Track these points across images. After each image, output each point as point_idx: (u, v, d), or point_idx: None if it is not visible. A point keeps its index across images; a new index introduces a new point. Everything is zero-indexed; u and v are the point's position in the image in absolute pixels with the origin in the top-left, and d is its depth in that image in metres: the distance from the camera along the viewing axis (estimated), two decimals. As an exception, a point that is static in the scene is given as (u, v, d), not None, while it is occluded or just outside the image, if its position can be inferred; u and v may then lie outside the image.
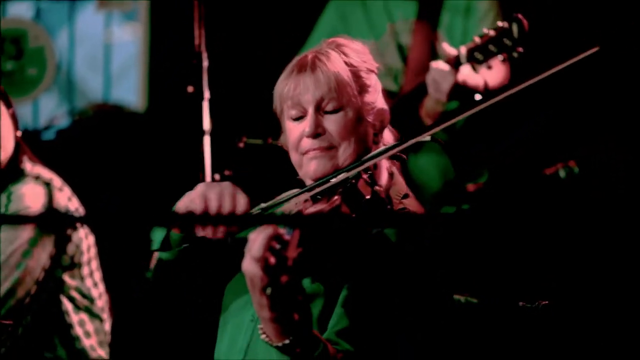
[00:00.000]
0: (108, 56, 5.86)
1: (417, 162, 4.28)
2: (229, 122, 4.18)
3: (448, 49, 4.04)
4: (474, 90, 4.04)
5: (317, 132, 2.59)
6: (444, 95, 4.00)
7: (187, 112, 3.98)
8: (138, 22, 5.73)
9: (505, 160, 4.54)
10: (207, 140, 3.80)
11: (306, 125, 2.59)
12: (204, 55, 3.90)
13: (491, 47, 3.86)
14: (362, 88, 2.62)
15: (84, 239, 3.75)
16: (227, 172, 4.03)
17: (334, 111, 2.59)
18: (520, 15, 3.81)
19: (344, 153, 2.59)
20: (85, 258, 3.75)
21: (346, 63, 2.61)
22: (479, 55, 3.90)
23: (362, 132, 2.61)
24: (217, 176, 3.89)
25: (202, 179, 3.80)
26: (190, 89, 3.89)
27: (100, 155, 5.26)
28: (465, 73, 4.03)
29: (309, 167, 2.60)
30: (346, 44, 2.66)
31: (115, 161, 5.27)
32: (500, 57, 3.84)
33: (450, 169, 4.30)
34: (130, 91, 5.79)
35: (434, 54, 4.28)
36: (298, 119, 2.62)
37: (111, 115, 5.51)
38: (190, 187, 3.89)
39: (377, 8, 4.41)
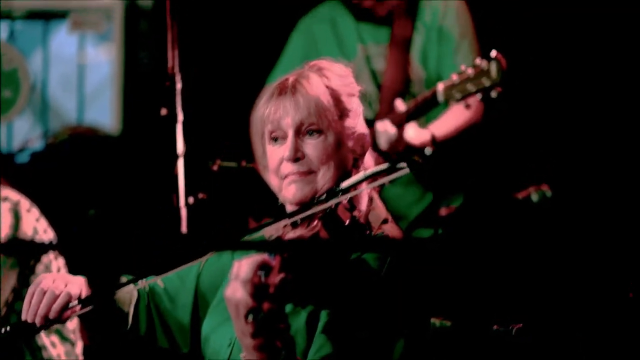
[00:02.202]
0: (82, 77, 5.84)
1: (390, 190, 4.30)
2: (202, 145, 4.17)
3: (398, 105, 4.08)
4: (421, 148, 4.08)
5: (297, 157, 2.58)
6: (387, 149, 4.05)
7: (160, 135, 3.96)
8: (112, 43, 5.72)
9: (478, 184, 4.55)
10: (180, 163, 3.78)
11: (286, 149, 2.58)
12: (178, 78, 3.89)
13: (469, 87, 3.87)
14: (343, 112, 2.62)
15: (54, 261, 3.73)
16: (201, 195, 4.02)
17: (314, 135, 2.59)
18: (499, 55, 3.82)
19: (323, 178, 2.58)
20: None
21: (327, 87, 2.61)
22: (456, 94, 3.91)
23: (342, 156, 2.61)
24: (191, 199, 3.87)
25: (176, 202, 3.78)
26: (163, 111, 3.88)
27: (74, 177, 5.24)
28: (410, 133, 4.06)
29: (288, 191, 2.59)
30: (328, 68, 2.66)
31: (89, 184, 5.25)
32: (478, 96, 3.86)
33: (426, 195, 4.31)
34: (104, 112, 5.77)
35: (408, 80, 4.29)
36: (278, 142, 2.61)
37: (85, 137, 5.49)
38: (164, 210, 3.89)
39: (348, 30, 4.42)
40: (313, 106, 2.58)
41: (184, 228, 3.79)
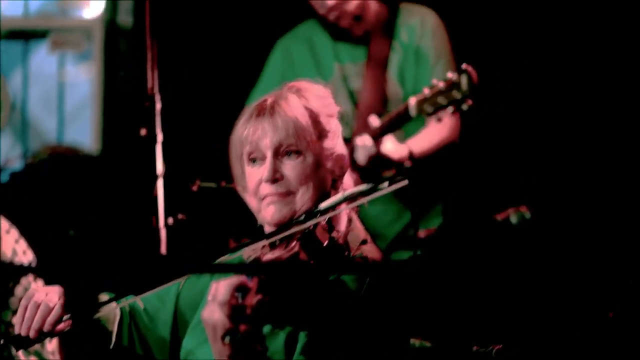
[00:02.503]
0: (62, 96, 5.83)
1: (369, 209, 4.29)
2: (182, 165, 4.16)
3: (372, 120, 4.09)
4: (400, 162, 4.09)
5: (275, 178, 2.58)
6: (366, 164, 4.07)
7: (140, 155, 3.96)
8: (92, 61, 5.71)
9: (457, 204, 4.55)
10: (160, 184, 3.78)
11: (264, 170, 2.58)
12: (157, 98, 3.90)
13: (440, 100, 3.89)
14: (322, 133, 2.62)
15: (33, 282, 3.72)
16: (180, 216, 4.01)
17: (293, 156, 2.59)
18: (469, 68, 3.84)
19: (302, 199, 2.59)
20: None
21: (306, 108, 2.61)
22: (428, 108, 3.92)
23: (320, 177, 2.61)
24: (170, 220, 3.87)
25: (156, 223, 3.78)
26: (143, 131, 3.88)
27: (54, 197, 5.22)
28: (388, 147, 4.08)
29: (267, 212, 2.59)
30: (307, 89, 2.66)
31: (69, 204, 5.24)
32: (449, 109, 3.87)
33: (404, 213, 4.32)
34: (84, 131, 5.75)
35: (385, 99, 4.30)
36: (257, 163, 2.61)
37: (65, 157, 5.47)
38: (144, 231, 3.88)
39: (325, 49, 4.43)
40: (291, 127, 2.58)
41: (163, 249, 3.79)
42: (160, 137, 3.83)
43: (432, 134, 4.24)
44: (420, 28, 4.32)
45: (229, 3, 5.24)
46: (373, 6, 4.35)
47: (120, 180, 5.11)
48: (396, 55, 4.32)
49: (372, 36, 4.35)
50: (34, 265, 3.74)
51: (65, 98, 5.84)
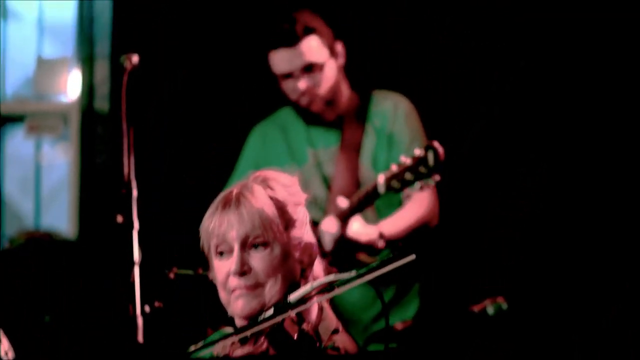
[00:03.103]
0: (39, 179, 5.81)
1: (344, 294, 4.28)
2: (159, 252, 4.14)
3: (340, 202, 4.11)
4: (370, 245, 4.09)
5: (243, 270, 2.58)
6: (332, 248, 4.08)
7: (116, 242, 3.93)
8: (69, 143, 5.71)
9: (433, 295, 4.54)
10: (137, 271, 3.75)
11: (232, 263, 2.57)
12: (134, 184, 3.88)
13: (407, 176, 3.92)
14: (289, 223, 2.62)
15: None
16: (157, 304, 3.98)
17: (260, 248, 2.58)
18: (435, 144, 3.87)
19: (271, 291, 2.58)
20: None
21: (271, 198, 2.61)
22: (396, 184, 3.96)
23: (289, 268, 2.61)
24: (147, 307, 3.83)
25: (133, 310, 3.74)
26: (119, 218, 3.86)
27: (30, 283, 5.19)
28: (355, 228, 4.09)
29: (236, 305, 2.59)
30: (272, 178, 2.67)
31: (45, 290, 5.20)
32: (417, 185, 3.90)
33: (376, 302, 4.30)
34: (61, 215, 5.73)
35: (358, 183, 4.31)
36: (224, 256, 2.59)
37: (41, 243, 5.44)
38: (120, 318, 3.84)
39: (298, 135, 4.45)
40: (257, 218, 2.58)
41: (140, 337, 3.75)
42: (136, 224, 3.80)
43: (407, 214, 4.25)
44: (393, 113, 4.35)
45: (204, 89, 5.27)
46: (345, 91, 4.39)
47: (97, 266, 5.09)
48: (369, 140, 4.34)
49: (345, 121, 4.38)
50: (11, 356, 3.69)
51: (42, 180, 5.82)
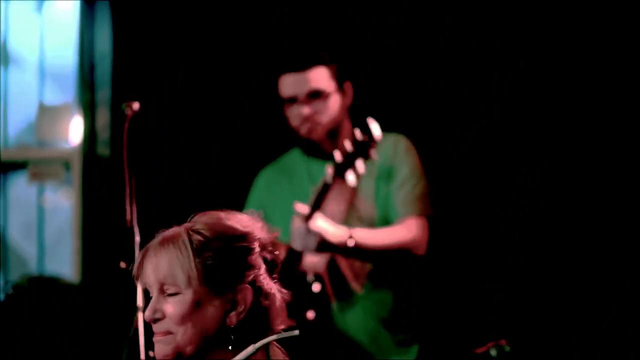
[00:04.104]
0: (42, 223, 5.84)
1: (345, 319, 4.33)
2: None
3: (301, 208, 4.19)
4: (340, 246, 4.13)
5: (155, 318, 2.57)
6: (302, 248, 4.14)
7: (120, 287, 3.96)
8: (71, 188, 5.74)
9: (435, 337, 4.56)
10: (140, 317, 3.77)
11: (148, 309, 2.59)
12: (136, 230, 3.91)
13: (351, 159, 4.18)
14: (215, 271, 2.55)
15: None
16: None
17: (173, 296, 2.56)
18: (372, 123, 4.14)
19: (182, 338, 2.54)
20: None
21: (198, 242, 2.55)
22: (341, 169, 4.17)
23: (203, 316, 2.54)
24: (151, 353, 3.85)
25: (137, 357, 3.76)
26: (122, 264, 3.88)
27: (34, 329, 5.20)
28: (320, 224, 4.21)
29: (155, 348, 2.59)
30: (210, 223, 2.60)
31: (49, 336, 5.22)
32: (360, 165, 4.12)
33: (381, 334, 4.33)
34: (65, 260, 5.75)
35: (350, 210, 4.35)
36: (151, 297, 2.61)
37: (46, 288, 5.47)
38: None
39: (301, 174, 4.49)
40: (168, 268, 2.55)
41: (144, 383, 3.77)
42: (139, 270, 3.83)
43: (387, 233, 4.29)
44: (393, 150, 4.40)
45: (204, 91, 5.29)
46: (348, 130, 4.43)
47: (101, 311, 5.10)
48: (369, 177, 4.37)
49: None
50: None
51: (46, 225, 5.85)
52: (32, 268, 5.81)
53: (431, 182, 4.49)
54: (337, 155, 4.18)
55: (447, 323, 4.82)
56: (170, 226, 2.52)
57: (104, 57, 5.54)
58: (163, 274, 2.55)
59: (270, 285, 2.61)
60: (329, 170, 4.20)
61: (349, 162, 4.19)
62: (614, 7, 4.69)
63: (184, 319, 2.52)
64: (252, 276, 2.58)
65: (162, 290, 2.56)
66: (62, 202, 5.86)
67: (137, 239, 3.88)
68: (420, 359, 4.31)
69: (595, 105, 4.75)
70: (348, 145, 4.16)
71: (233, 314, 2.54)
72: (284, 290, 2.64)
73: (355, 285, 4.36)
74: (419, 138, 4.62)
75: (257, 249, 2.60)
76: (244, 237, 2.59)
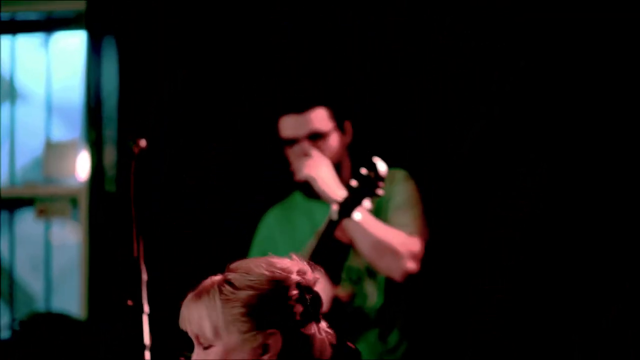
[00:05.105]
0: (49, 259, 5.84)
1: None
2: (169, 336, 4.15)
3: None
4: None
5: None
6: None
7: (127, 325, 3.95)
8: (79, 224, 5.74)
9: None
10: (147, 355, 3.77)
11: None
12: (143, 268, 3.91)
13: (357, 197, 4.16)
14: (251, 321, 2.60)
15: None
16: (169, 388, 3.99)
17: (207, 348, 2.63)
18: (375, 159, 4.13)
19: None
20: None
21: (223, 293, 2.60)
22: (346, 208, 4.14)
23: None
24: (158, 392, 3.84)
25: (145, 394, 3.75)
26: (129, 302, 3.88)
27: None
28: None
29: None
30: (239, 270, 2.64)
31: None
32: (366, 203, 4.11)
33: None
34: (71, 297, 5.75)
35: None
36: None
37: (53, 324, 5.46)
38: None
39: (303, 215, 4.50)
40: (198, 324, 2.63)
41: (153, 423, 3.76)
42: (146, 308, 3.83)
43: (385, 230, 4.28)
44: (390, 180, 4.39)
45: (207, 137, 5.30)
46: (347, 169, 4.45)
47: (108, 349, 5.09)
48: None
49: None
50: None
51: (53, 261, 5.85)
52: (39, 304, 5.81)
53: (431, 182, 4.53)
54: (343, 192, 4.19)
55: (443, 323, 4.81)
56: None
57: (110, 93, 5.56)
58: (196, 328, 2.62)
59: (310, 327, 2.62)
60: (334, 207, 4.19)
61: (354, 199, 4.18)
62: (614, 7, 4.70)
63: None
64: (285, 320, 2.60)
65: (199, 342, 2.63)
66: (69, 239, 5.86)
67: (145, 276, 3.88)
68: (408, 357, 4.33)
69: (595, 105, 4.76)
70: (353, 182, 4.15)
71: (265, 357, 2.57)
72: (329, 331, 2.66)
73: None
74: (419, 138, 4.65)
75: (293, 292, 2.61)
76: (274, 283, 2.61)
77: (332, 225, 4.21)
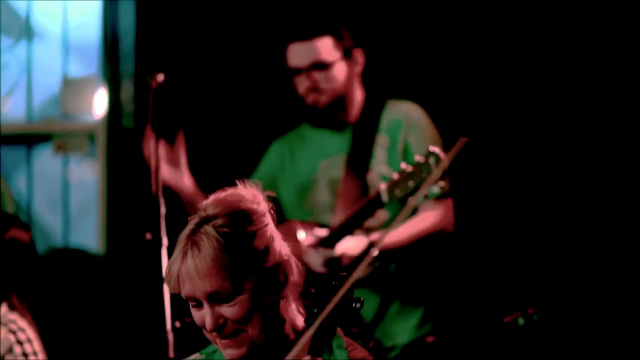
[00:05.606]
0: (67, 196, 5.86)
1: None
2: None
3: (318, 232, 4.10)
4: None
5: (218, 325, 2.49)
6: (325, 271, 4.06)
7: (145, 259, 3.97)
8: (96, 160, 5.76)
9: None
10: (166, 288, 3.79)
11: (205, 317, 2.49)
12: (161, 202, 3.92)
13: (410, 183, 3.91)
14: (254, 256, 2.49)
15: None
16: (187, 319, 4.01)
17: (226, 300, 2.47)
18: (436, 149, 3.88)
19: (254, 332, 2.48)
20: None
21: (221, 241, 2.47)
22: (398, 192, 3.95)
23: (264, 306, 2.49)
24: (177, 323, 3.86)
25: (164, 327, 3.78)
26: (148, 235, 3.90)
27: (61, 296, 5.25)
28: (345, 245, 4.07)
29: (225, 353, 2.51)
30: (220, 211, 2.53)
31: (76, 302, 5.26)
32: (421, 192, 3.89)
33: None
34: (89, 233, 5.77)
35: (366, 189, 4.31)
36: (197, 307, 2.50)
37: (71, 260, 5.50)
38: (151, 334, 3.87)
39: (311, 146, 4.47)
40: (208, 274, 2.45)
41: (171, 353, 3.79)
42: (165, 241, 3.84)
43: (412, 224, 4.23)
44: (407, 123, 4.34)
45: (209, 124, 5.28)
46: (358, 99, 4.40)
47: (126, 283, 5.13)
48: (381, 149, 4.34)
49: (356, 128, 4.37)
50: None
51: (71, 198, 5.87)
52: (57, 240, 5.84)
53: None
54: (395, 175, 4.01)
55: (446, 299, 4.81)
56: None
57: (127, 29, 5.54)
58: (208, 284, 2.45)
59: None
60: (383, 186, 4.04)
61: (404, 182, 3.98)
62: (613, 7, 4.67)
63: (249, 315, 2.47)
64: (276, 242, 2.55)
65: (212, 299, 2.46)
66: (87, 175, 5.88)
67: (163, 210, 3.89)
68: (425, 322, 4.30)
69: (599, 86, 4.73)
70: (408, 167, 3.96)
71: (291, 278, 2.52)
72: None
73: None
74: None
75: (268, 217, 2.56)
76: (257, 214, 2.54)
77: (379, 204, 4.04)
